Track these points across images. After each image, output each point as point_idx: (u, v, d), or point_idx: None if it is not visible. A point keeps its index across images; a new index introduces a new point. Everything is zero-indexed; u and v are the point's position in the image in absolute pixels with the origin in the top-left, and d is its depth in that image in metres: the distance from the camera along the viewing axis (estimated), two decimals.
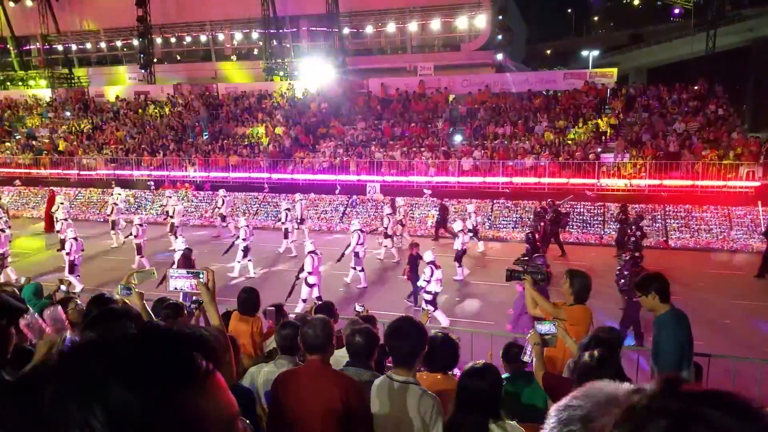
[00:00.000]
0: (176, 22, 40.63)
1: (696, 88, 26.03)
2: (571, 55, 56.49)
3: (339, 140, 27.54)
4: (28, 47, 44.71)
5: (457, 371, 5.90)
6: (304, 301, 12.23)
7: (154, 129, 31.82)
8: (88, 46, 43.45)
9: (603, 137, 23.91)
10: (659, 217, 19.95)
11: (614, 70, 30.19)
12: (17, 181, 28.10)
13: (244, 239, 15.67)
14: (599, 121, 24.92)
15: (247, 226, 16.16)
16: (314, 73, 35.59)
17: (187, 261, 12.80)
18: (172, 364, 0.89)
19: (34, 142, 32.57)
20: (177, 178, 26.84)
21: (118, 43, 43.23)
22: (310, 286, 12.38)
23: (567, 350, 4.78)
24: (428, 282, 11.62)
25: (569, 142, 23.78)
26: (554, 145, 23.76)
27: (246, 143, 28.38)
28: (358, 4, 36.18)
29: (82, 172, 28.98)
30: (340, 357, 4.35)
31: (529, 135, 24.84)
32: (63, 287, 8.02)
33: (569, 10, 64.48)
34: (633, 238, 14.18)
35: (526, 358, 4.34)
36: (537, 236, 15.94)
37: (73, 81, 41.73)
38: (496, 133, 25.49)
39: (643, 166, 21.44)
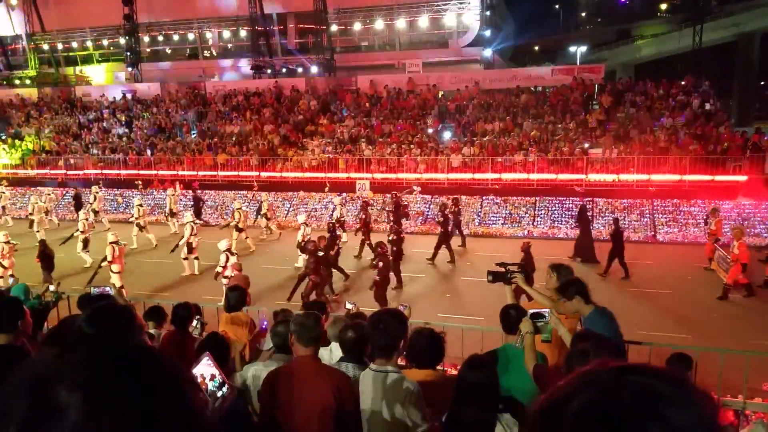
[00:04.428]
0: (163, 20, 40.40)
1: (683, 83, 26.19)
2: (558, 51, 56.68)
3: (328, 138, 27.49)
4: (13, 46, 44.30)
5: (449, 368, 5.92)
6: (114, 286, 13.19)
7: (141, 128, 31.64)
8: (75, 45, 43.12)
9: (591, 133, 24.00)
10: (647, 211, 20.09)
11: (602, 66, 30.34)
12: (4, 182, 27.86)
13: (82, 231, 17.31)
14: (587, 116, 25.02)
15: (86, 218, 17.72)
16: (302, 71, 35.55)
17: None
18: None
19: (20, 142, 32.28)
20: (165, 177, 26.69)
21: (105, 42, 42.95)
22: (115, 273, 13.87)
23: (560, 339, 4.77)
24: (224, 268, 12.62)
25: (556, 138, 23.85)
26: (543, 141, 23.83)
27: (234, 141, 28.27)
28: (346, 1, 36.12)
29: (69, 172, 28.76)
30: (331, 353, 4.35)
31: (518, 131, 24.90)
32: (51, 288, 7.97)
33: (556, 6, 64.66)
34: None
35: (518, 346, 4.26)
36: (361, 225, 18.02)
37: (59, 80, 41.38)
38: (485, 130, 25.55)
39: (631, 161, 21.56)
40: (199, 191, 24.70)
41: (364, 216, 18.32)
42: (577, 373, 0.90)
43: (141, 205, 20.28)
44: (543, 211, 20.93)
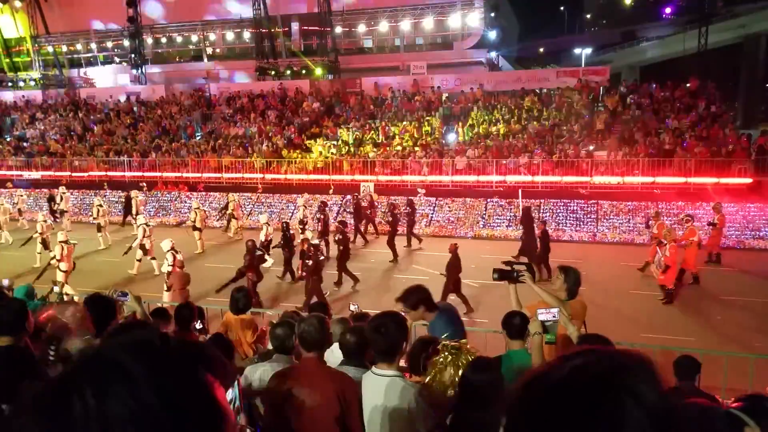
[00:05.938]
0: (167, 23, 40.51)
1: (688, 85, 26.10)
2: (563, 53, 56.63)
3: (332, 140, 27.49)
4: (18, 49, 44.46)
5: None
6: (54, 283, 13.79)
7: (146, 130, 31.70)
8: (79, 47, 43.26)
9: (596, 135, 23.93)
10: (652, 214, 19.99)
11: (607, 68, 30.28)
12: (9, 184, 27.97)
13: (40, 233, 17.52)
14: (592, 119, 24.94)
15: (44, 220, 18.14)
16: (305, 73, 35.59)
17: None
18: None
19: (25, 144, 32.41)
20: (170, 179, 26.74)
21: (109, 44, 43.07)
22: (63, 271, 14.30)
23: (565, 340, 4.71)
24: (172, 266, 12.74)
25: (561, 140, 23.79)
26: (547, 143, 23.77)
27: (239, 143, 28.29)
28: (351, 3, 36.17)
29: (74, 174, 28.83)
30: (334, 356, 4.33)
31: (523, 134, 24.85)
32: (56, 289, 8.00)
33: (561, 8, 64.58)
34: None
35: (527, 348, 4.20)
36: (320, 225, 18.25)
37: (63, 82, 41.52)
38: (490, 132, 25.50)
39: (636, 164, 21.48)
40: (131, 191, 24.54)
41: (323, 216, 18.54)
42: (558, 356, 0.97)
43: (101, 206, 20.63)
44: (547, 214, 20.85)
